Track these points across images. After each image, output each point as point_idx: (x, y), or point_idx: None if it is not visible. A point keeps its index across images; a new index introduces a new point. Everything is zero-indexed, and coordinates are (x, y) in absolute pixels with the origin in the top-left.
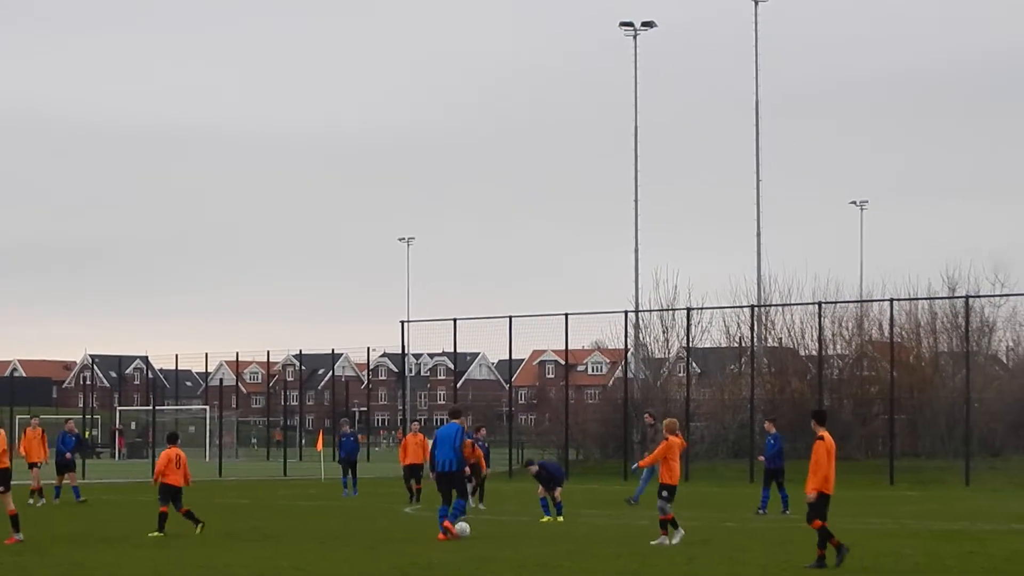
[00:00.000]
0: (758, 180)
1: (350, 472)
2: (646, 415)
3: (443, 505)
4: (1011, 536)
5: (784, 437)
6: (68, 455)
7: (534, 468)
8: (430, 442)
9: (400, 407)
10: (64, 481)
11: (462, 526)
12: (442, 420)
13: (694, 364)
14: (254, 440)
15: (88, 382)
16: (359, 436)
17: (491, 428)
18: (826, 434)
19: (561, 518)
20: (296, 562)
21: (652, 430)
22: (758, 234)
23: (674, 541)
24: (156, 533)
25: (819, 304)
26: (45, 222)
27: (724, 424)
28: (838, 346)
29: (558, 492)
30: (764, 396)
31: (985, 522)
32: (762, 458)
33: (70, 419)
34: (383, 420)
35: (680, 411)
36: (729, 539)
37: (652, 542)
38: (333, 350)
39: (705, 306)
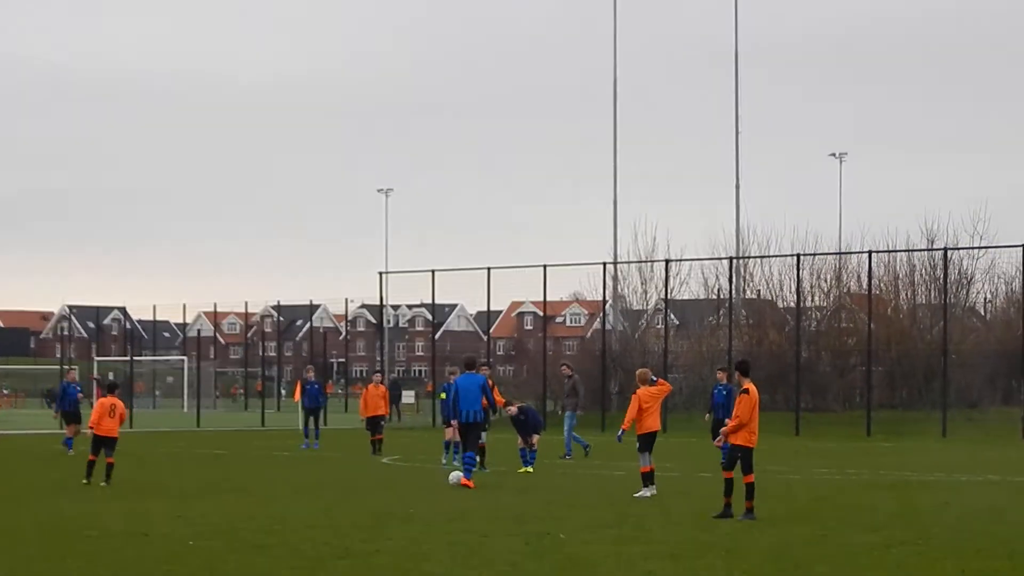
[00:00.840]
0: (737, 132)
1: (312, 422)
2: (563, 366)
3: (468, 451)
4: (987, 487)
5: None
6: (73, 403)
7: (513, 409)
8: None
9: (378, 358)
10: (80, 432)
11: (455, 475)
12: (420, 372)
13: (672, 316)
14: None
15: (66, 333)
16: (326, 385)
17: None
18: (751, 386)
19: (531, 469)
20: (271, 511)
21: (570, 382)
22: (736, 186)
23: (645, 494)
24: (84, 481)
25: (797, 256)
26: (22, 172)
27: (702, 376)
28: (816, 298)
29: (535, 439)
30: (742, 348)
31: (961, 473)
32: (708, 415)
33: (72, 369)
34: (361, 371)
35: (658, 363)
36: (706, 491)
37: (635, 494)
38: (311, 301)
39: (683, 258)
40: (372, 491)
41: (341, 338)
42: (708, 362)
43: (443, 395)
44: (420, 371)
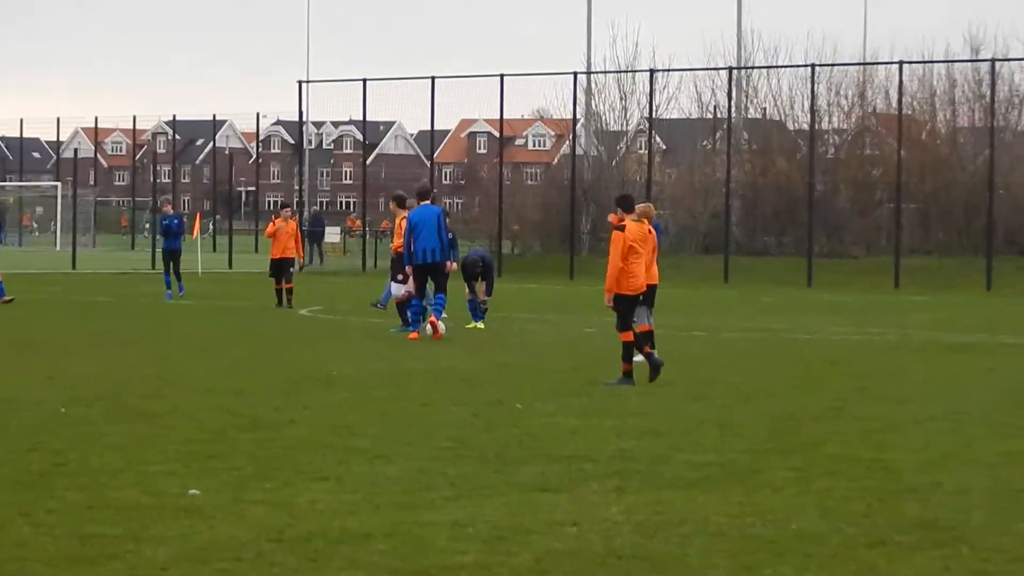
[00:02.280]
0: None
1: (172, 266)
2: (392, 203)
3: (416, 300)
4: None
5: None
6: None
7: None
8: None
9: (296, 187)
10: None
11: (427, 326)
12: (347, 204)
13: (658, 138)
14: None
15: None
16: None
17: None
18: (631, 223)
19: (482, 324)
20: (162, 372)
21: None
22: None
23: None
24: None
25: (812, 67)
26: None
27: (694, 213)
28: (834, 119)
29: (482, 288)
30: (743, 179)
31: (1008, 334)
32: None
33: None
34: (274, 203)
35: (640, 196)
36: (696, 352)
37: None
38: (215, 116)
39: (673, 67)
40: (287, 349)
41: (251, 162)
42: (701, 195)
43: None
44: (348, 203)
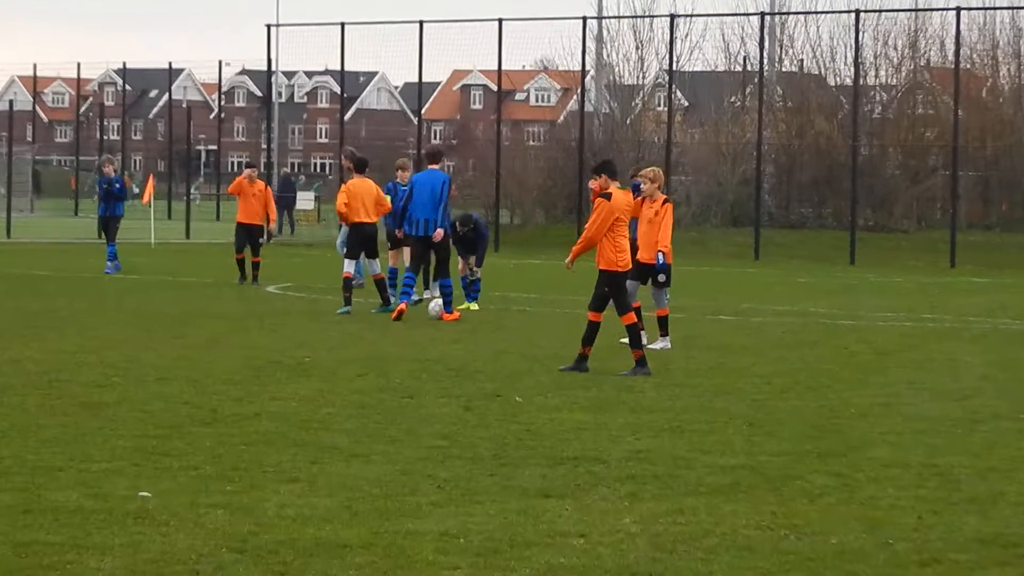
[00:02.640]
0: None
1: (107, 236)
2: (346, 159)
3: (410, 272)
4: None
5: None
6: None
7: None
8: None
9: (264, 145)
10: None
11: (436, 305)
12: (322, 165)
13: (679, 94)
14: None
15: None
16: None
17: (391, 177)
18: (617, 192)
19: (475, 305)
20: (109, 357)
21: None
22: None
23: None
24: None
25: (857, 13)
26: None
27: (720, 179)
28: (882, 73)
29: (472, 261)
30: (777, 141)
31: None
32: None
33: None
34: (239, 164)
35: (658, 158)
36: (721, 339)
37: (651, 346)
38: (171, 64)
39: (696, 12)
40: (252, 332)
41: (212, 116)
42: (728, 160)
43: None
44: (323, 164)
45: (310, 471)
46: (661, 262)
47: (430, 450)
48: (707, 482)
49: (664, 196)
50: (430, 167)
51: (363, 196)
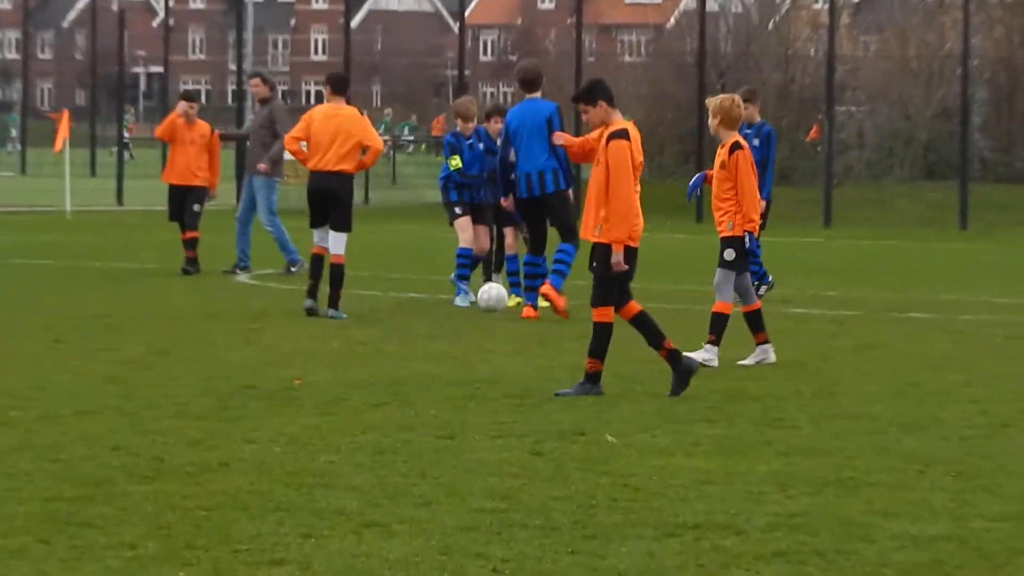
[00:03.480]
0: None
1: None
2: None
3: (531, 254)
4: None
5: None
6: None
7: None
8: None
9: (233, 66)
10: None
11: (491, 293)
12: (317, 94)
13: None
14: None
15: None
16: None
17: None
18: (632, 128)
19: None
20: (8, 380)
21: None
22: None
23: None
24: None
25: None
26: None
27: (908, 110)
28: None
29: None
30: (993, 52)
31: None
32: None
33: None
34: (200, 93)
35: (815, 80)
36: (914, 346)
37: (691, 355)
38: None
39: None
40: (216, 342)
41: (156, 23)
42: (920, 81)
43: (454, 159)
44: (318, 93)
45: (302, 549)
46: (748, 240)
47: (480, 516)
48: (894, 561)
49: (735, 138)
50: (529, 97)
51: (335, 131)
